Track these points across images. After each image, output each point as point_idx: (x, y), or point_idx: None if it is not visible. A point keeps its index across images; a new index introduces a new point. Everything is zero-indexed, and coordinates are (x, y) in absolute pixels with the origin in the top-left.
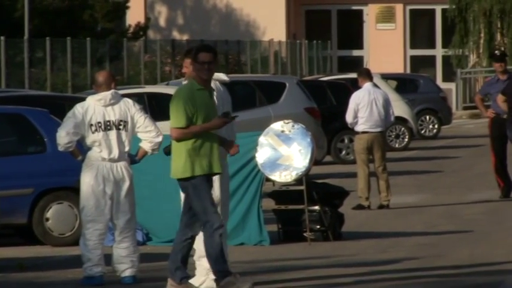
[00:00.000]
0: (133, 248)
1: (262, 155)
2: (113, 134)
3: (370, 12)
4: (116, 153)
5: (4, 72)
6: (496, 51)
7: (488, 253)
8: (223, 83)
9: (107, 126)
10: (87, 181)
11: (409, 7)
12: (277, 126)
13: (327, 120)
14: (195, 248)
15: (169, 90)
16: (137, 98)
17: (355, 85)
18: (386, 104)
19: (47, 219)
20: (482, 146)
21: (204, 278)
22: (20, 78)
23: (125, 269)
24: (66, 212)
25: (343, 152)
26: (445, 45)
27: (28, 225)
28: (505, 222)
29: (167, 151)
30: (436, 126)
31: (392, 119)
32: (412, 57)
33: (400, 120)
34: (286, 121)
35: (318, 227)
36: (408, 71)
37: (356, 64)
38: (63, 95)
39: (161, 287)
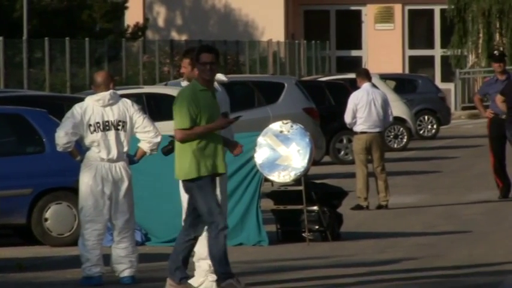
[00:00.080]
0: (132, 248)
1: (260, 155)
2: (111, 134)
3: (368, 13)
4: (114, 153)
5: (3, 72)
6: (495, 52)
7: (487, 253)
8: (221, 83)
9: (106, 127)
10: (85, 181)
11: (407, 7)
12: (275, 126)
13: (325, 121)
14: (194, 250)
15: (168, 90)
16: (136, 98)
17: (353, 85)
18: (385, 104)
19: (46, 220)
20: (481, 147)
21: (203, 279)
22: (18, 78)
23: (124, 269)
24: (65, 212)
25: (342, 152)
26: (443, 45)
27: (27, 226)
28: (504, 223)
29: (166, 151)
30: (434, 126)
31: (391, 119)
32: (411, 58)
33: (399, 120)
34: (285, 121)
35: (317, 227)
36: (407, 71)
37: (355, 64)
38: (61, 95)
39: (160, 287)
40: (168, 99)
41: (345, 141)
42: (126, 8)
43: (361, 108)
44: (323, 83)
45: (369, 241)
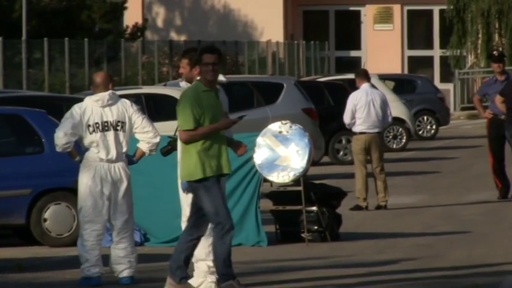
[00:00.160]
0: (131, 249)
1: (260, 156)
2: (110, 134)
3: (367, 13)
4: (113, 153)
5: (2, 73)
6: (494, 52)
7: (486, 254)
8: (220, 83)
9: (105, 127)
10: (84, 182)
11: (406, 8)
12: (274, 127)
13: (324, 121)
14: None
15: (167, 91)
16: (135, 98)
17: (352, 86)
18: (384, 105)
19: (45, 220)
20: (480, 147)
21: (202, 279)
22: (18, 79)
23: (123, 269)
24: (64, 213)
25: (341, 153)
26: (443, 45)
27: (26, 226)
28: (503, 223)
29: (165, 152)
30: (433, 127)
31: (390, 119)
32: (410, 58)
33: (398, 120)
34: (284, 122)
35: (316, 227)
36: (406, 71)
37: (354, 65)
38: (61, 96)
39: (159, 287)
40: (167, 100)
41: (344, 141)
42: (125, 8)
43: (360, 109)
44: (322, 83)
45: (368, 241)
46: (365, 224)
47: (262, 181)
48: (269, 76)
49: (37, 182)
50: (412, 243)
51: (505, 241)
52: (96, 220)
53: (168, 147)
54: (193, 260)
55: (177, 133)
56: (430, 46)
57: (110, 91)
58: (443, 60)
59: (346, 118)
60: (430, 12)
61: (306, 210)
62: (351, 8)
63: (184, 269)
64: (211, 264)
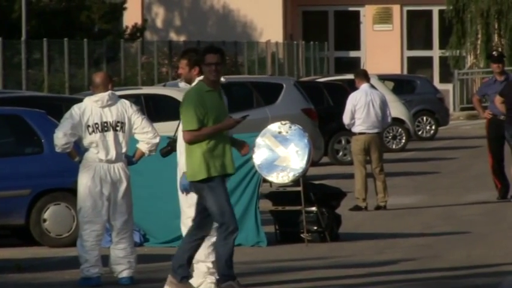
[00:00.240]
0: (130, 249)
1: (259, 156)
2: (110, 135)
3: (367, 13)
4: (113, 154)
5: (1, 73)
6: (494, 52)
7: (485, 254)
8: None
9: (104, 128)
10: (84, 182)
11: (406, 8)
12: (274, 127)
13: (324, 121)
14: None
15: (166, 91)
16: (134, 99)
17: (352, 86)
18: (384, 105)
19: (44, 220)
20: (479, 147)
21: (201, 280)
22: (17, 79)
23: (122, 270)
24: (63, 213)
25: (340, 153)
26: (442, 46)
27: (25, 226)
28: (503, 224)
29: (164, 153)
30: (433, 127)
31: (389, 120)
32: (409, 58)
33: (397, 121)
34: (283, 122)
35: (315, 228)
36: (405, 72)
37: (353, 65)
38: (60, 96)
39: None
40: (167, 100)
41: (343, 142)
42: (124, 9)
43: (360, 109)
44: (321, 83)
45: (367, 242)
46: (364, 225)
47: (261, 181)
48: (268, 76)
49: (36, 183)
50: (412, 244)
51: (504, 241)
52: (96, 220)
53: (167, 148)
54: (193, 261)
55: (177, 134)
56: (429, 46)
57: (110, 91)
58: (443, 60)
59: (346, 118)
60: (430, 12)
61: (305, 210)
62: (350, 9)
63: (186, 268)
64: (211, 265)
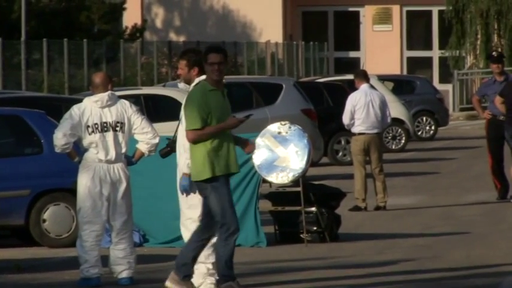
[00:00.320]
0: (130, 250)
1: (259, 157)
2: (109, 135)
3: (366, 14)
4: (112, 154)
5: (1, 73)
6: (493, 53)
7: (485, 255)
8: None
9: (104, 128)
10: (83, 182)
11: (405, 8)
12: (274, 127)
13: (323, 122)
14: None
15: (166, 91)
16: (134, 99)
17: (351, 86)
18: (383, 106)
19: (44, 221)
20: (479, 148)
21: (201, 280)
22: (17, 79)
23: (122, 270)
24: (63, 214)
25: (340, 154)
26: (441, 46)
27: (25, 227)
28: (502, 224)
29: (163, 154)
30: (432, 127)
31: (389, 120)
32: (409, 59)
33: (397, 121)
34: (283, 122)
35: (315, 228)
36: (405, 72)
37: (353, 65)
38: (60, 97)
39: None
40: (166, 101)
41: (343, 142)
42: (124, 9)
43: (359, 110)
44: (321, 84)
45: (367, 242)
46: (364, 225)
47: (261, 182)
48: (268, 77)
49: (36, 183)
50: (411, 244)
51: (504, 242)
52: (95, 221)
53: (166, 149)
54: None
55: (176, 134)
56: (429, 47)
57: (109, 92)
58: (442, 61)
59: (345, 119)
60: (429, 13)
61: (305, 211)
62: (350, 9)
63: (189, 267)
64: (211, 266)
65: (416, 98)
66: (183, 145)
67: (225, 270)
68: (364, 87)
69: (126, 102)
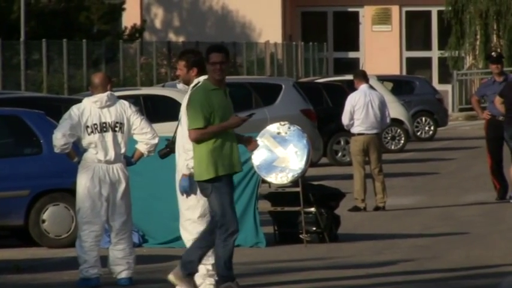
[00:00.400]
0: (129, 250)
1: (258, 157)
2: (109, 135)
3: (366, 14)
4: (111, 155)
5: (0, 74)
6: (493, 53)
7: (484, 255)
8: None
9: (103, 128)
10: (83, 183)
11: (405, 9)
12: (273, 128)
13: (323, 122)
14: None
15: (165, 92)
16: (133, 99)
17: (351, 87)
18: (382, 106)
19: (43, 221)
20: (478, 148)
21: (201, 280)
22: (16, 80)
23: (121, 270)
24: (62, 214)
25: (339, 154)
26: (441, 47)
27: (24, 227)
28: (501, 224)
29: (162, 154)
30: (432, 128)
31: (388, 120)
32: (408, 59)
33: (396, 122)
34: (282, 123)
35: (314, 228)
36: (404, 72)
37: (352, 66)
38: (59, 97)
39: None
40: (166, 101)
41: (342, 142)
42: (123, 9)
43: (359, 110)
44: (320, 84)
45: (366, 243)
46: (363, 225)
47: (260, 182)
48: (267, 77)
49: (35, 183)
50: (411, 244)
51: (503, 242)
52: (95, 221)
53: (165, 150)
54: None
55: (175, 135)
56: (428, 47)
57: (108, 92)
58: (442, 61)
59: (345, 119)
60: (428, 13)
61: (304, 211)
62: (349, 9)
63: (195, 265)
64: (210, 267)
65: (415, 99)
66: (182, 146)
67: (224, 271)
68: (363, 87)
69: (126, 103)
